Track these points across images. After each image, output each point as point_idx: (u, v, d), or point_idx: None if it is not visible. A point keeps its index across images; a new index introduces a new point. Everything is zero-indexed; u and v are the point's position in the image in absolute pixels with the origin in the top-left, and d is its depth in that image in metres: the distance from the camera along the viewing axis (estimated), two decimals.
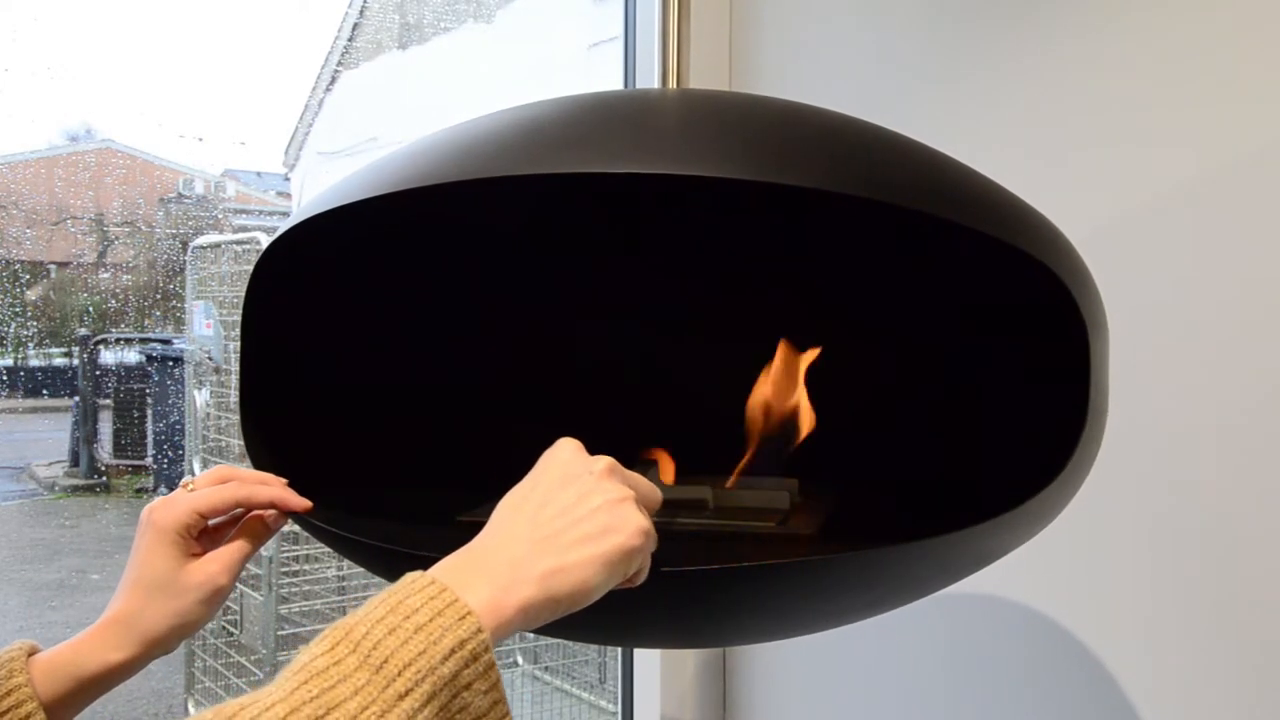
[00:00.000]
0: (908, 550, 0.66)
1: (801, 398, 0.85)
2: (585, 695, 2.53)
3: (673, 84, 0.86)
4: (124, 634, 0.68)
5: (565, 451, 0.61)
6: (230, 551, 0.72)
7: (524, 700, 2.53)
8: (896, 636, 1.23)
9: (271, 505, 0.74)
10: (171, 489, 0.77)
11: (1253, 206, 0.93)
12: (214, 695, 2.31)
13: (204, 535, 0.73)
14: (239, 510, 0.74)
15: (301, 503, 0.75)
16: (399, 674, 0.46)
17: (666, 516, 0.81)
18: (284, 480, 0.76)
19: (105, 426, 2.30)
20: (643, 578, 0.59)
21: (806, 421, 0.84)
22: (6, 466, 2.33)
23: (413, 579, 0.51)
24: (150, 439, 2.37)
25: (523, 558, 0.54)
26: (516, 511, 0.58)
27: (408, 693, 0.46)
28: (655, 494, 0.62)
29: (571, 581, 0.54)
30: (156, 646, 0.69)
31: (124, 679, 0.69)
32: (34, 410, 2.20)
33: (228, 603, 2.32)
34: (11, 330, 1.98)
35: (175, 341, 2.40)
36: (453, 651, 0.48)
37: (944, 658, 1.18)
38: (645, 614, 0.69)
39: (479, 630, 0.49)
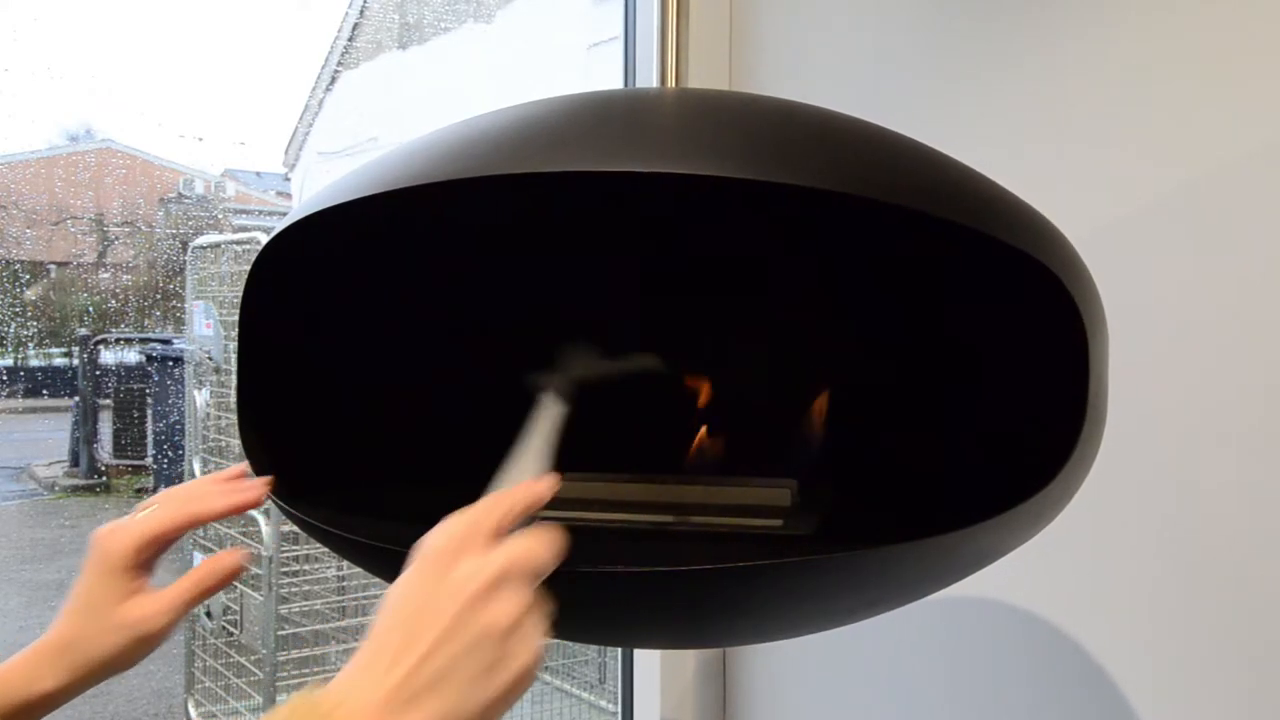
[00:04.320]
0: (906, 550, 0.66)
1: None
2: (585, 695, 2.53)
3: (671, 84, 0.85)
4: (57, 661, 0.64)
5: (436, 561, 0.52)
6: (175, 593, 0.67)
7: (524, 700, 2.53)
8: (896, 637, 1.22)
9: (228, 512, 0.70)
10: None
11: (1253, 206, 0.93)
12: (214, 695, 2.31)
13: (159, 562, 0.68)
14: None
15: (257, 496, 0.71)
16: None
17: (663, 517, 0.81)
18: (267, 479, 0.73)
19: (105, 426, 2.30)
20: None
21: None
22: (6, 466, 2.33)
23: (296, 701, 0.47)
24: (150, 439, 2.37)
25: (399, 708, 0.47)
26: (380, 653, 0.49)
27: None
28: (540, 560, 0.53)
29: None
30: (90, 677, 0.65)
31: (58, 706, 0.64)
32: (34, 410, 2.20)
33: (228, 603, 2.32)
34: (11, 330, 1.98)
35: (175, 341, 2.40)
36: None
37: (944, 658, 1.18)
38: (645, 614, 0.69)
39: None
